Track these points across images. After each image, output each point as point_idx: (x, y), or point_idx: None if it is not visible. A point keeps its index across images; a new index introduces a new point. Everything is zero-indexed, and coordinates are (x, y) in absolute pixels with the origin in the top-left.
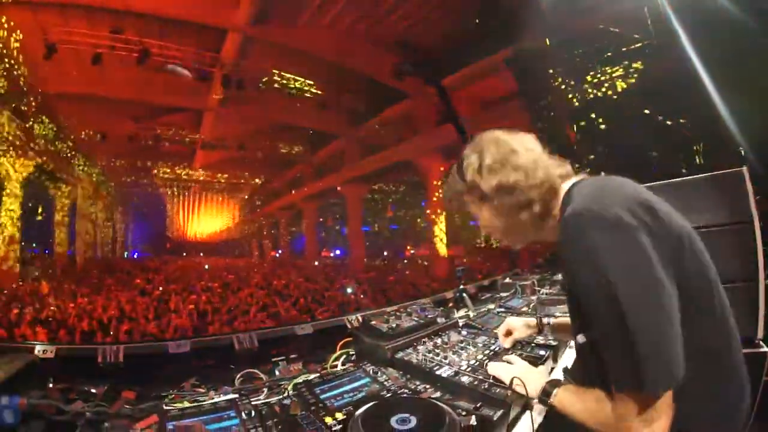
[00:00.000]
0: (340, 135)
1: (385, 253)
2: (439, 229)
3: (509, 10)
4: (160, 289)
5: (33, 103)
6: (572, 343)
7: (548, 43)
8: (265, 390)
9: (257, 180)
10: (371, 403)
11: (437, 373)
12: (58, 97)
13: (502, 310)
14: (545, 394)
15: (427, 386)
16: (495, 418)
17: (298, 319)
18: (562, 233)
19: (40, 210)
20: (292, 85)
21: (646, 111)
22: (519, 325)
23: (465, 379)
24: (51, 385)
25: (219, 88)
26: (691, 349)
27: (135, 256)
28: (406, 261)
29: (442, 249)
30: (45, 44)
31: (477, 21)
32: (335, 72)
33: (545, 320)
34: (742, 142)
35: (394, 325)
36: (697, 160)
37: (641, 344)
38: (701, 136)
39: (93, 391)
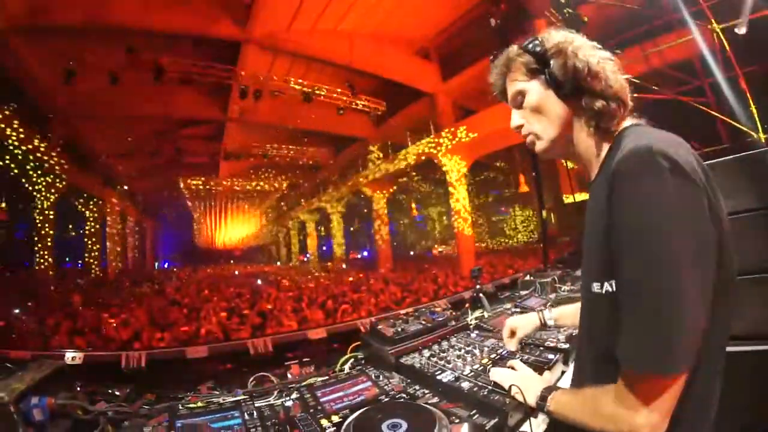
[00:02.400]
0: (361, 137)
1: (411, 253)
2: (464, 227)
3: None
4: (189, 299)
5: (58, 127)
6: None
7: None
8: (275, 392)
9: (282, 186)
10: (365, 408)
11: (438, 378)
12: (82, 118)
13: (518, 310)
14: (542, 400)
15: (426, 391)
16: (488, 427)
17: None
18: (620, 166)
19: (72, 226)
20: (309, 91)
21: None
22: (521, 324)
23: (465, 385)
24: (78, 388)
25: (237, 100)
26: (703, 347)
27: (165, 266)
28: (432, 259)
29: (468, 247)
30: (63, 68)
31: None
32: (351, 75)
33: (546, 314)
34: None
35: (399, 329)
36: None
37: (681, 312)
38: (728, 115)
39: (116, 393)
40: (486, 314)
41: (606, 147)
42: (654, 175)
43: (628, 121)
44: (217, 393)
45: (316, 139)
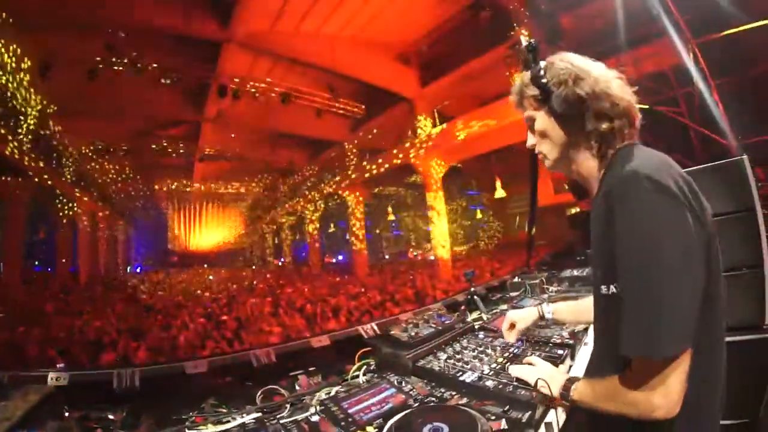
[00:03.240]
0: (339, 140)
1: (387, 257)
2: (440, 231)
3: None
4: (163, 304)
5: (31, 123)
6: (587, 339)
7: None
8: (288, 406)
9: (258, 189)
10: (401, 415)
11: (461, 379)
12: (56, 115)
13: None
14: (566, 391)
15: (453, 393)
16: (524, 420)
17: (304, 328)
18: (613, 188)
19: (42, 228)
20: (288, 93)
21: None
22: (521, 317)
23: (489, 383)
24: (67, 414)
25: (216, 99)
26: (703, 336)
27: (138, 271)
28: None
29: (444, 251)
30: (40, 62)
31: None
32: (331, 78)
33: (545, 308)
34: (735, 133)
35: (412, 334)
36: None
37: (663, 306)
38: (701, 124)
39: (111, 417)
40: (485, 316)
41: (603, 167)
42: (640, 196)
43: (621, 144)
44: (224, 410)
45: (293, 142)
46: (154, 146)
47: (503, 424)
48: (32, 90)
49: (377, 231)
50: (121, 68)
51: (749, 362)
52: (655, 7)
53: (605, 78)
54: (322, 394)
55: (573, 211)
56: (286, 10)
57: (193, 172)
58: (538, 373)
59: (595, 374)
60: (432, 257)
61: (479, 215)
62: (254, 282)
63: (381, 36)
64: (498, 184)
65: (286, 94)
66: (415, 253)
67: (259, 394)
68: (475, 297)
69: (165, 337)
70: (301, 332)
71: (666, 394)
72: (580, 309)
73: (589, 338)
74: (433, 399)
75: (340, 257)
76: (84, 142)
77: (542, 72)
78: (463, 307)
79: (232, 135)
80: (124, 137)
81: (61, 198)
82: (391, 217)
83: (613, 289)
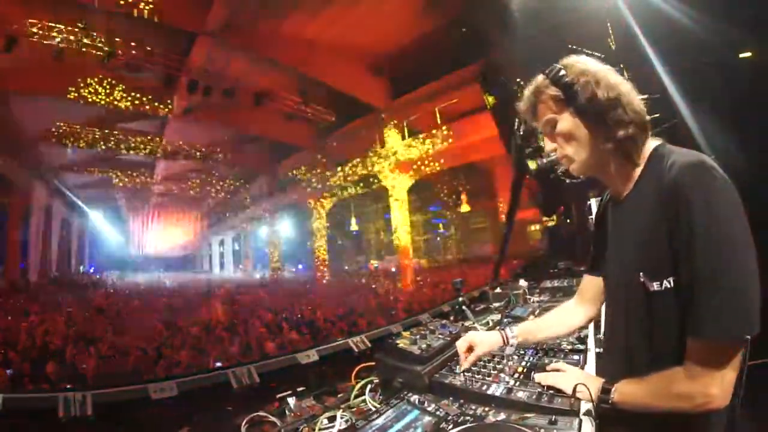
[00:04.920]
0: (305, 147)
1: (346, 267)
2: (403, 243)
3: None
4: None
5: None
6: (590, 345)
7: (516, 59)
8: None
9: (220, 192)
10: None
11: (489, 392)
12: (14, 94)
13: (510, 320)
14: (605, 393)
15: (486, 409)
16: (575, 428)
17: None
18: (681, 179)
19: None
20: (260, 93)
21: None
22: (482, 340)
23: (522, 395)
24: None
25: (185, 94)
26: None
27: (91, 271)
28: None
29: (406, 263)
30: (5, 34)
31: (459, 30)
32: (304, 83)
33: (508, 332)
34: (706, 152)
35: (423, 346)
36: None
37: (750, 286)
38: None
39: None
40: (477, 326)
41: (638, 166)
42: (713, 184)
43: (652, 142)
44: None
45: (259, 146)
46: (116, 138)
47: None
48: None
49: (339, 241)
50: (91, 50)
51: None
52: (634, 35)
53: (619, 84)
54: (323, 421)
55: (549, 223)
56: (266, 9)
57: (156, 169)
58: (573, 378)
59: (627, 373)
60: (393, 269)
61: (442, 228)
62: (212, 288)
63: (356, 45)
64: (463, 198)
65: (259, 94)
66: (375, 264)
67: (244, 423)
68: (464, 306)
69: (119, 344)
70: (262, 342)
71: (722, 384)
72: (548, 325)
73: (590, 343)
74: (468, 418)
75: (300, 266)
76: (43, 127)
77: (563, 72)
78: (452, 317)
79: (197, 134)
80: (86, 126)
81: (12, 188)
82: (354, 227)
83: (667, 284)
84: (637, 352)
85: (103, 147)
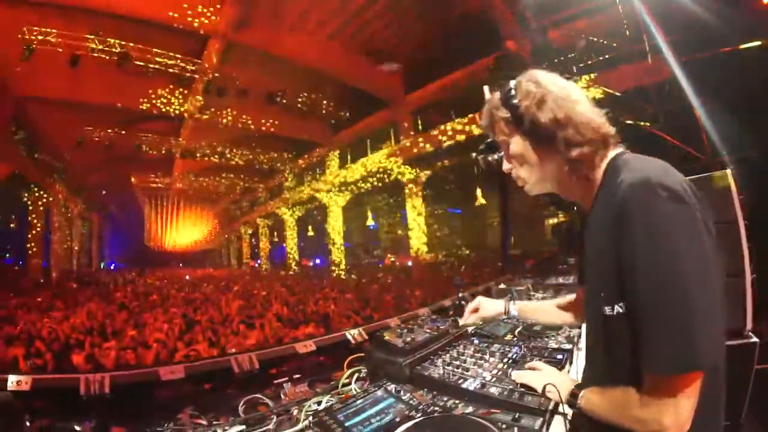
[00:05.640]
0: (321, 143)
1: (364, 261)
2: (418, 237)
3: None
4: (138, 303)
5: (6, 107)
6: (582, 344)
7: (527, 52)
8: (274, 418)
9: (237, 189)
10: (406, 426)
11: (464, 386)
12: (34, 101)
13: (505, 316)
14: (573, 397)
15: (457, 402)
16: (536, 427)
17: (281, 332)
18: (625, 199)
19: (13, 218)
20: (274, 92)
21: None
22: (487, 306)
23: (494, 390)
24: (28, 424)
25: (199, 95)
26: None
27: (112, 268)
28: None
29: (422, 257)
30: (22, 44)
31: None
32: (317, 80)
33: (511, 305)
34: (720, 146)
35: (408, 339)
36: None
37: (695, 317)
38: (681, 140)
39: (77, 428)
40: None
41: (596, 180)
42: (656, 205)
43: (612, 151)
44: (204, 422)
45: (274, 143)
46: (134, 140)
47: None
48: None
49: (355, 236)
50: (105, 56)
51: (730, 367)
52: (642, 25)
53: (571, 102)
54: (311, 405)
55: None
56: (279, 8)
57: (173, 168)
58: (546, 378)
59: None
60: (409, 263)
61: (458, 223)
62: (229, 283)
63: (369, 41)
64: (479, 192)
65: (272, 93)
66: (392, 258)
67: (241, 404)
68: (463, 303)
69: (138, 338)
70: (277, 336)
71: (677, 415)
72: (546, 310)
73: (583, 343)
74: (437, 408)
75: (317, 260)
76: (62, 131)
77: (513, 93)
78: (451, 313)
79: (214, 132)
80: (104, 128)
81: (34, 188)
82: (370, 222)
83: (618, 309)
84: (600, 369)
85: (122, 147)
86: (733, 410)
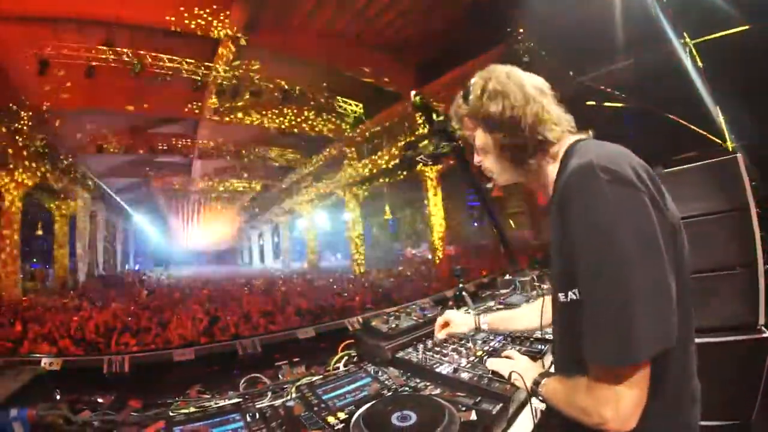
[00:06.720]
0: (336, 138)
1: (382, 255)
2: (437, 230)
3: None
4: (161, 302)
5: (27, 119)
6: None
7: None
8: (269, 393)
9: (255, 187)
10: (372, 402)
11: (437, 370)
12: (53, 112)
13: (501, 306)
14: (536, 384)
15: (428, 384)
16: (494, 412)
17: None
18: (566, 183)
19: (39, 225)
20: (288, 90)
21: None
22: (457, 321)
23: (465, 376)
24: (58, 397)
25: (214, 97)
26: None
27: (136, 268)
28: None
29: (441, 250)
30: (37, 59)
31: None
32: (329, 76)
33: (481, 318)
34: (729, 133)
35: (393, 325)
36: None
37: (635, 305)
38: (689, 127)
39: (100, 400)
40: (471, 311)
41: (555, 169)
42: (595, 188)
43: (571, 138)
44: (208, 396)
45: (289, 141)
46: (152, 144)
47: (473, 415)
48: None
49: (374, 229)
50: (119, 65)
51: (743, 363)
52: (653, 8)
53: (524, 91)
54: (303, 383)
55: None
56: (289, 6)
57: (192, 170)
58: (514, 366)
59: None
60: (429, 256)
61: (476, 214)
62: (251, 280)
63: (382, 35)
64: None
65: (286, 91)
66: (413, 252)
67: (242, 381)
68: (463, 293)
69: (162, 336)
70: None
71: (617, 408)
72: (513, 317)
73: None
74: (407, 389)
75: (338, 255)
76: (82, 139)
77: (470, 89)
78: (451, 302)
79: (230, 133)
80: (122, 134)
81: (59, 194)
82: (388, 216)
83: (572, 295)
84: (558, 357)
85: (141, 151)
86: (745, 405)
